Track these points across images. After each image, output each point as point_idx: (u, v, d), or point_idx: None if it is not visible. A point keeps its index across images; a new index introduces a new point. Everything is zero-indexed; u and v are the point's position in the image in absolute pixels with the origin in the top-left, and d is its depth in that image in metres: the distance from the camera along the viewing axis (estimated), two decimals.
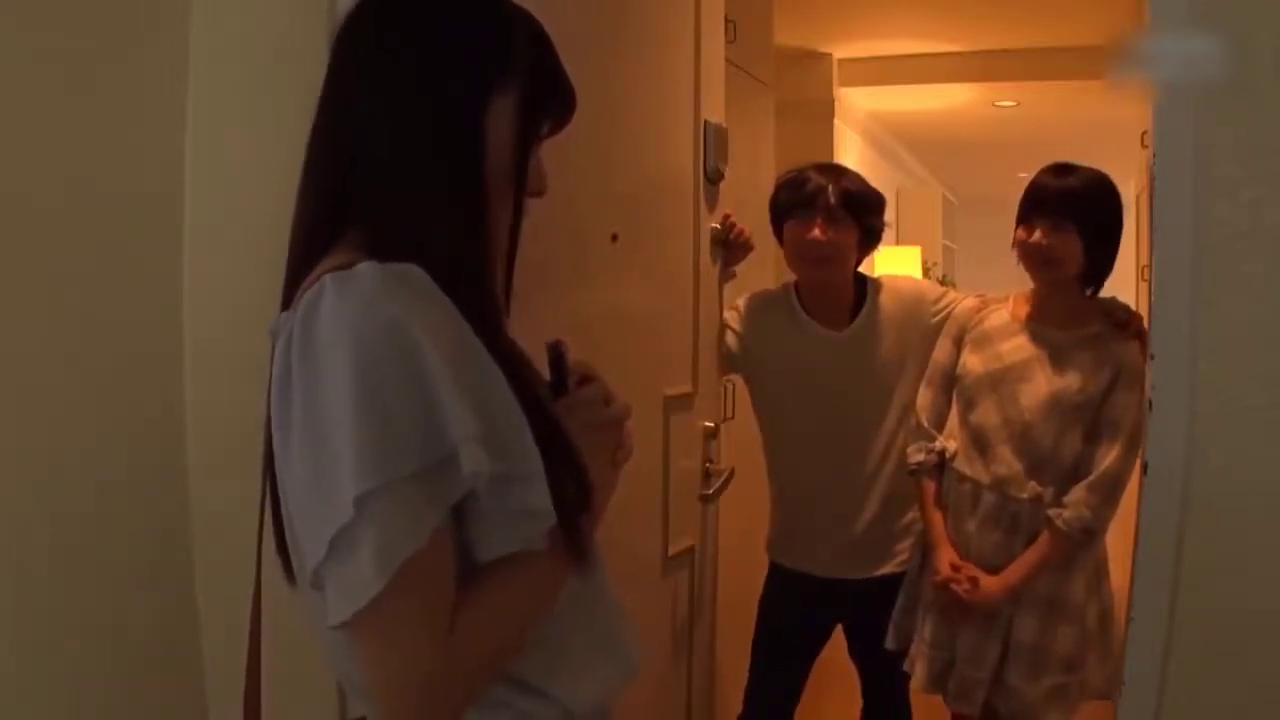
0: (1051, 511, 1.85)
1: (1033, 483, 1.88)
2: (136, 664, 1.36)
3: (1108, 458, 1.84)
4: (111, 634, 1.32)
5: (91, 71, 1.30)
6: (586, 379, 0.97)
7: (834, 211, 2.07)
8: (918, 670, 2.00)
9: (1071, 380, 1.88)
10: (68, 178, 1.28)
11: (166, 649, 1.41)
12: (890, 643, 2.09)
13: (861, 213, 2.11)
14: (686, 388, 2.01)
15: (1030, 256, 1.93)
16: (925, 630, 2.00)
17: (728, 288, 2.26)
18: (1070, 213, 1.88)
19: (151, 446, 1.40)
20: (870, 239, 2.17)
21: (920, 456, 2.04)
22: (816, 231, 2.07)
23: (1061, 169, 1.94)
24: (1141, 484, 1.32)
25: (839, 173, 2.17)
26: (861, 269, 2.25)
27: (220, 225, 1.42)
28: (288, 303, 0.87)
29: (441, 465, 0.76)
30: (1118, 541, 1.86)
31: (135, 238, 1.38)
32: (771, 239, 2.23)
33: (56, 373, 1.27)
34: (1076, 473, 1.87)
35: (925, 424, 2.05)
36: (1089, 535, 1.84)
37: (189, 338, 1.42)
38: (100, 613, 1.31)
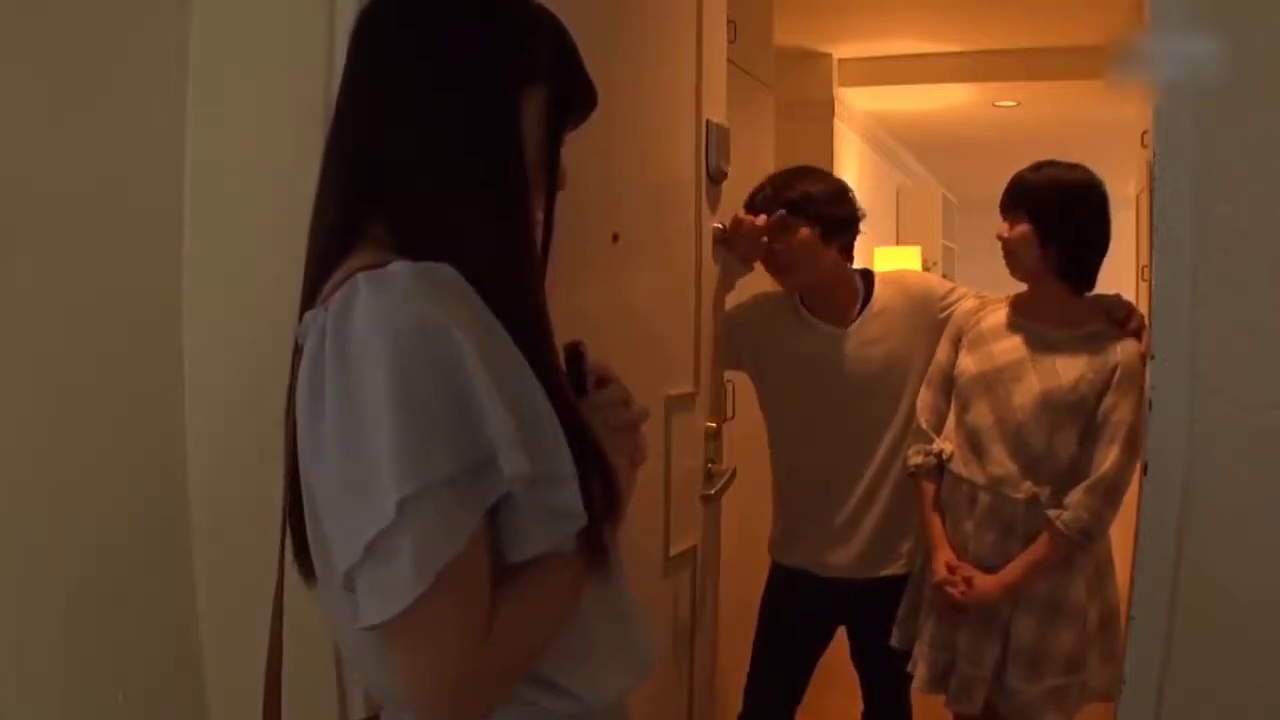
0: (1051, 512, 1.85)
1: (1028, 483, 1.88)
2: (136, 664, 1.36)
3: (1107, 460, 1.83)
4: (111, 634, 1.32)
5: (91, 72, 1.30)
6: (604, 380, 0.98)
7: (778, 217, 2.08)
8: (919, 670, 2.00)
9: (1063, 379, 1.87)
10: (68, 178, 1.28)
11: (166, 649, 1.41)
12: (895, 640, 2.09)
13: (810, 210, 2.10)
14: (688, 388, 2.01)
15: (1001, 249, 1.97)
16: (926, 631, 2.00)
17: (742, 285, 2.27)
18: (1022, 206, 1.92)
19: (151, 446, 1.40)
20: (837, 229, 2.14)
21: (919, 459, 2.04)
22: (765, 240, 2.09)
23: (1037, 165, 1.95)
24: (1141, 484, 1.32)
25: (786, 178, 2.17)
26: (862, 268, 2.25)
27: (220, 226, 1.42)
28: (309, 301, 0.87)
29: (480, 467, 0.76)
30: (1120, 541, 1.86)
31: (135, 238, 1.38)
32: None
33: (56, 372, 1.27)
34: (1074, 473, 1.87)
35: (925, 426, 2.06)
36: (1088, 538, 1.84)
37: (189, 337, 1.42)
38: (100, 613, 1.31)
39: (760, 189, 2.17)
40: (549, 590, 0.84)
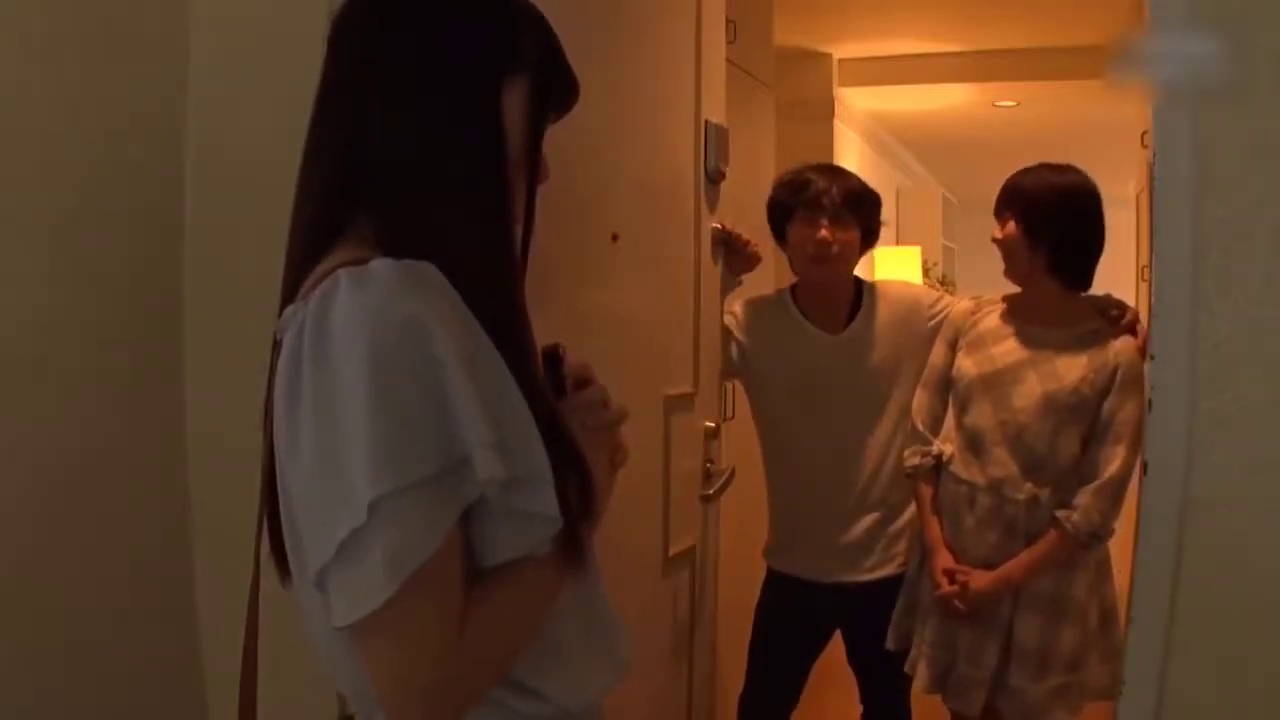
0: (1060, 513, 1.85)
1: (1029, 484, 1.88)
2: (136, 666, 1.36)
3: (1114, 461, 1.83)
4: (111, 635, 1.32)
5: (91, 71, 1.30)
6: (584, 382, 0.97)
7: (838, 211, 2.09)
8: (920, 671, 2.00)
9: (1065, 379, 1.88)
10: (68, 177, 1.28)
11: (166, 650, 1.41)
12: (890, 643, 2.09)
13: (862, 211, 2.14)
14: (687, 388, 2.01)
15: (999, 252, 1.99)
16: (926, 632, 2.00)
17: (731, 296, 2.26)
18: (1010, 207, 1.94)
19: (151, 447, 1.40)
20: (869, 238, 2.20)
21: (916, 460, 2.05)
22: (824, 231, 2.09)
23: (1027, 168, 1.97)
24: (1141, 484, 1.32)
25: (838, 172, 2.19)
26: (861, 269, 2.26)
27: (220, 224, 1.42)
28: (290, 297, 0.86)
29: (455, 469, 0.75)
30: (1117, 540, 1.86)
31: (135, 237, 1.38)
32: (773, 240, 2.24)
33: (57, 373, 1.27)
34: (1075, 474, 1.87)
35: (921, 427, 2.06)
36: (1096, 539, 1.85)
37: (189, 337, 1.42)
38: (100, 614, 1.31)
39: (822, 191, 2.10)
40: (523, 593, 0.83)
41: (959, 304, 2.14)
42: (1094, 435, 1.87)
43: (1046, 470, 1.88)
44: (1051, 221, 1.89)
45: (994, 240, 1.97)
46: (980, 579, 1.90)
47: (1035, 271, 1.93)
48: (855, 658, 2.27)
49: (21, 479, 1.22)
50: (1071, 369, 1.88)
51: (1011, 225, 1.92)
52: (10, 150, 1.21)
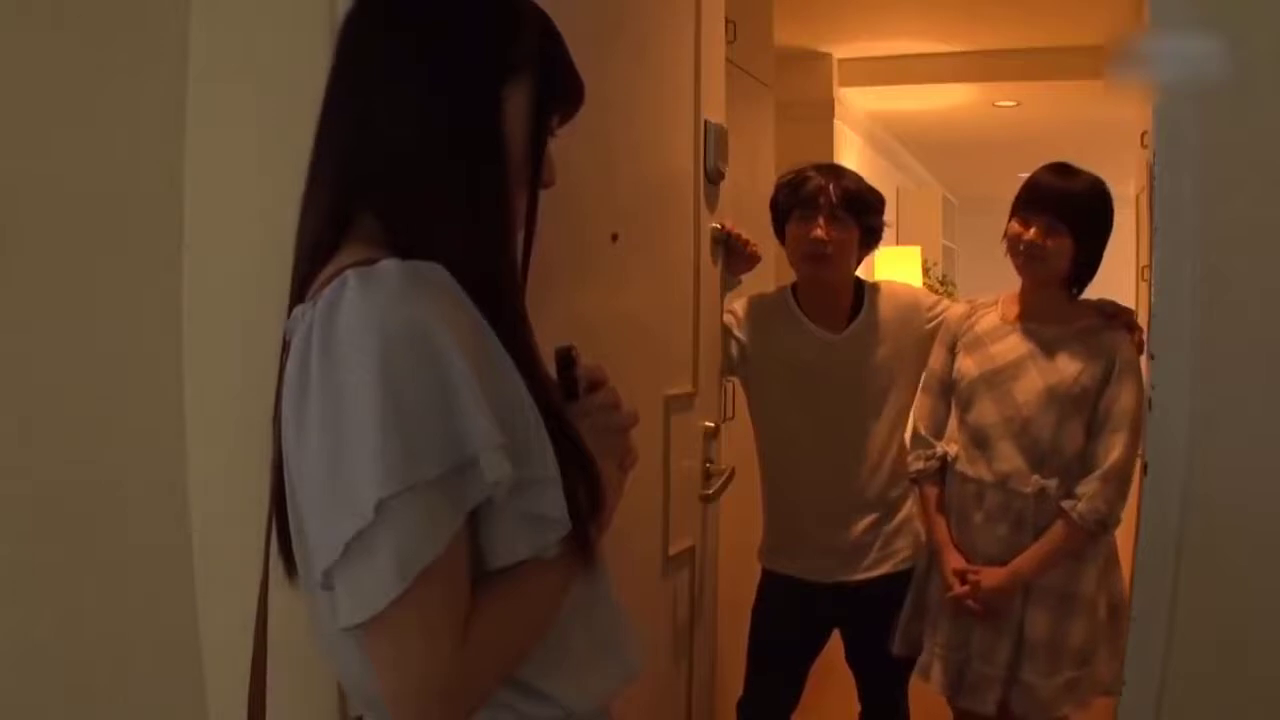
0: (1065, 503, 1.86)
1: (1036, 476, 1.89)
2: (136, 665, 1.36)
3: (1115, 449, 1.85)
4: (111, 636, 1.32)
5: (91, 72, 1.30)
6: (596, 384, 0.97)
7: (835, 210, 2.09)
8: (935, 673, 1.99)
9: (1066, 372, 1.89)
10: (68, 178, 1.28)
11: (166, 650, 1.41)
12: (898, 648, 2.09)
13: (862, 211, 2.13)
14: (687, 388, 2.01)
15: (1022, 252, 1.94)
16: (938, 634, 2.00)
17: (731, 296, 2.27)
18: (1067, 215, 1.90)
19: (151, 448, 1.40)
20: (870, 238, 2.19)
21: (920, 464, 2.05)
22: (819, 231, 2.08)
23: (1062, 169, 1.95)
24: (1141, 483, 1.32)
25: (839, 172, 2.19)
26: (861, 269, 2.26)
27: (220, 225, 1.42)
28: (298, 297, 0.86)
29: (462, 470, 0.76)
30: (1124, 532, 1.87)
31: (135, 238, 1.38)
32: (773, 240, 2.24)
33: (55, 373, 1.27)
34: (1081, 465, 1.89)
35: (924, 431, 2.06)
36: (1103, 527, 1.86)
37: (189, 338, 1.42)
38: (99, 617, 1.31)
39: (819, 189, 2.09)
40: (529, 595, 0.83)
41: (955, 308, 2.15)
42: (1095, 425, 1.89)
43: (1052, 462, 1.89)
44: (1098, 232, 1.91)
45: (1031, 244, 1.91)
46: (992, 576, 1.90)
47: (1060, 277, 1.94)
48: (854, 657, 2.27)
49: (20, 477, 1.22)
50: (1071, 362, 1.90)
51: (1066, 239, 1.88)
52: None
